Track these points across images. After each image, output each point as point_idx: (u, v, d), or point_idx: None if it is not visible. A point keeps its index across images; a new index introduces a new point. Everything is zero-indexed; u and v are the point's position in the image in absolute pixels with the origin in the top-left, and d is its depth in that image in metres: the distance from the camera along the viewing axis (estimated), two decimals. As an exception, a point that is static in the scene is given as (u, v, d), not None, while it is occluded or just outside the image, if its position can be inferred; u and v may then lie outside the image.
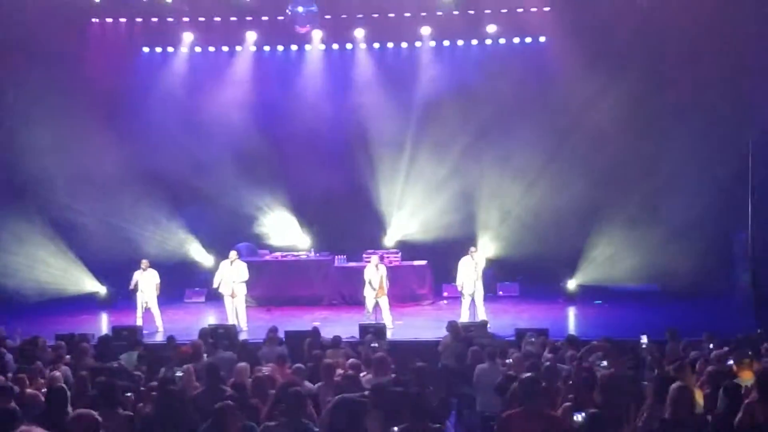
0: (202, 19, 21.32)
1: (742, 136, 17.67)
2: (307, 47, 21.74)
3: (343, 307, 19.05)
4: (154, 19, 21.38)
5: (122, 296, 18.90)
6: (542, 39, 20.99)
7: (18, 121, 19.45)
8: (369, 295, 16.72)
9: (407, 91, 20.90)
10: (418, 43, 21.43)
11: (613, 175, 19.40)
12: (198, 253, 21.12)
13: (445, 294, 19.71)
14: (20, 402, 8.31)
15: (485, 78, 20.08)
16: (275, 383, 8.74)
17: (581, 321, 17.54)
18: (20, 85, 19.02)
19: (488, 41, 21.26)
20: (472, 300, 16.69)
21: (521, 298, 19.83)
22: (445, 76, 20.81)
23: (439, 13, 20.73)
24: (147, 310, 16.86)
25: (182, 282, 20.29)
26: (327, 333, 13.19)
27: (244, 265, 17.14)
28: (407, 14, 20.96)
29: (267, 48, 21.96)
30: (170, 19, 21.26)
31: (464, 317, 16.35)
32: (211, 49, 21.98)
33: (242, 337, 14.82)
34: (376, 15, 21.03)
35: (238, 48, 21.71)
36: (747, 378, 8.53)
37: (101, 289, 20.04)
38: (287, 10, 19.59)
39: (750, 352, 9.47)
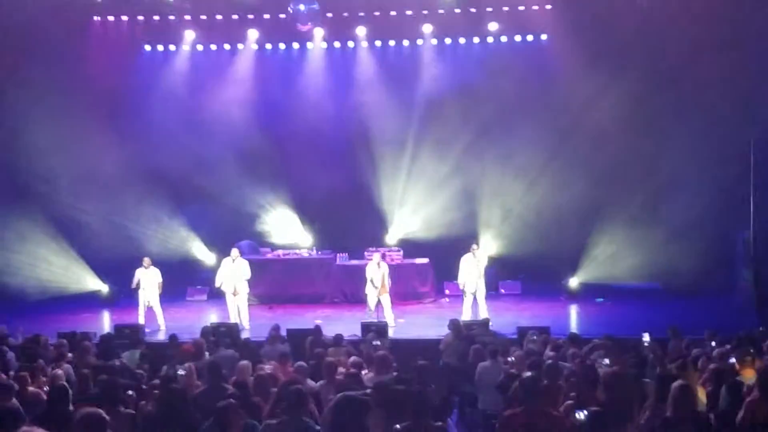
0: (203, 17, 21.34)
1: (744, 135, 17.68)
2: (309, 45, 21.75)
3: (345, 305, 19.06)
4: (156, 17, 21.42)
5: (124, 294, 18.93)
6: (544, 37, 21.02)
7: (20, 119, 19.46)
8: (371, 293, 16.72)
9: (409, 89, 20.91)
10: (419, 41, 21.43)
11: (615, 173, 19.41)
12: (200, 251, 21.15)
13: (447, 292, 19.73)
14: (22, 400, 8.31)
15: (487, 76, 20.09)
16: (277, 381, 8.74)
17: (583, 319, 17.51)
18: (22, 84, 19.01)
19: (490, 39, 21.27)
20: (474, 298, 16.69)
21: (523, 296, 19.86)
22: (446, 75, 20.83)
23: (441, 11, 20.73)
24: (149, 309, 16.86)
25: (184, 280, 20.31)
26: (329, 331, 13.21)
27: (246, 263, 17.14)
28: (409, 12, 20.96)
29: (269, 46, 21.96)
30: (172, 17, 21.31)
31: (466, 315, 16.33)
32: (213, 47, 22.00)
33: (244, 335, 14.78)
34: (377, 13, 21.04)
35: (240, 46, 21.74)
36: (749, 376, 8.53)
37: (103, 288, 20.07)
38: (289, 8, 19.59)
39: (752, 350, 9.47)
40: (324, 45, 21.70)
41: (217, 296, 18.04)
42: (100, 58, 20.61)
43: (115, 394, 7.87)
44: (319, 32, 21.25)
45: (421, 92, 20.84)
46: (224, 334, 13.35)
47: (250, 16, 21.26)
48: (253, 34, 21.48)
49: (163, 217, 20.79)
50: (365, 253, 19.19)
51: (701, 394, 8.39)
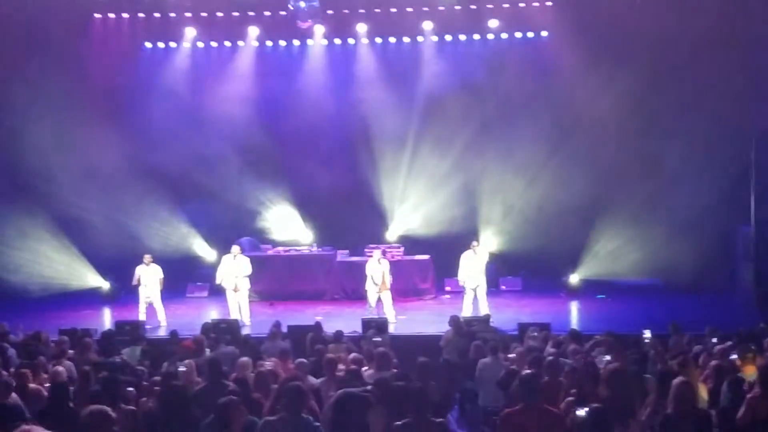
0: (204, 14, 21.30)
1: (745, 131, 17.68)
2: (309, 42, 21.72)
3: (346, 301, 19.06)
4: (157, 15, 21.39)
5: (125, 291, 18.97)
6: (544, 34, 20.98)
7: (21, 117, 19.46)
8: (371, 290, 16.71)
9: (409, 86, 20.90)
10: (420, 38, 21.38)
11: (616, 169, 19.39)
12: (201, 247, 21.15)
13: (448, 288, 19.72)
14: (23, 397, 8.33)
15: (487, 73, 20.10)
16: (278, 378, 8.74)
17: (584, 315, 17.51)
18: (22, 82, 19.02)
19: (490, 36, 21.22)
20: (475, 294, 16.68)
21: (524, 293, 19.84)
22: (447, 72, 20.78)
23: (441, 8, 20.67)
24: (150, 305, 16.86)
25: (185, 277, 20.35)
26: (329, 328, 13.19)
27: (247, 259, 17.13)
28: (409, 9, 20.92)
29: (269, 43, 21.93)
30: (172, 15, 21.28)
31: (467, 312, 16.33)
32: (214, 44, 21.98)
33: (245, 331, 14.81)
34: (378, 10, 21.02)
35: (241, 43, 21.71)
36: (750, 373, 8.53)
37: (104, 284, 20.08)
38: (289, 6, 19.60)
39: (753, 347, 9.46)
40: (324, 42, 21.67)
41: (217, 293, 18.04)
42: (100, 56, 20.62)
43: (116, 391, 7.88)
44: (319, 29, 21.21)
45: (422, 89, 20.80)
46: (225, 330, 13.38)
47: (251, 14, 21.22)
48: (253, 31, 21.44)
49: (163, 214, 20.78)
50: (366, 249, 19.13)
51: (702, 391, 8.39)
